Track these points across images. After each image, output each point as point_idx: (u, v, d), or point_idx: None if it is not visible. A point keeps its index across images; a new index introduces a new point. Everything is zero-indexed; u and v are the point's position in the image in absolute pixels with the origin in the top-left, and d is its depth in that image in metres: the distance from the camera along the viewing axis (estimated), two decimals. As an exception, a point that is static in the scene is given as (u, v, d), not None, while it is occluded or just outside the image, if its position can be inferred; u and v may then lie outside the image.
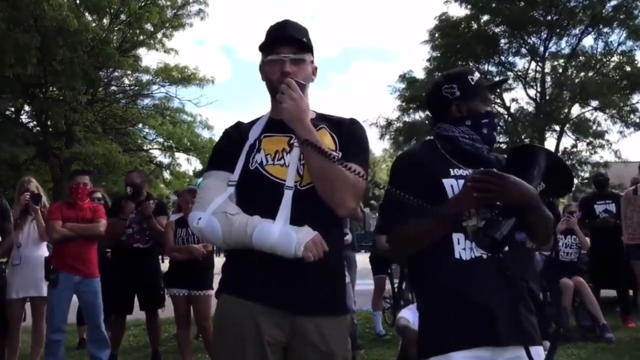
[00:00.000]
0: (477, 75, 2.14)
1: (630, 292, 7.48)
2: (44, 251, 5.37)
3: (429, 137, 2.22)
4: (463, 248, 1.96)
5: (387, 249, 6.78)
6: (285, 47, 2.02)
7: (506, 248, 1.89)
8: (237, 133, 2.11)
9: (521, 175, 1.94)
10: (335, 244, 1.99)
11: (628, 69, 19.49)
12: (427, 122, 21.10)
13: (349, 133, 2.07)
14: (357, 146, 2.05)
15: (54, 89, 18.29)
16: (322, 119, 2.12)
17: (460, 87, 2.10)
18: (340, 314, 2.04)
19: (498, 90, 19.46)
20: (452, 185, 2.00)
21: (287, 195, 1.92)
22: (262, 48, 2.07)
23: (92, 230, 5.19)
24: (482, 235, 1.86)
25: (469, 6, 20.32)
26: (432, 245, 2.00)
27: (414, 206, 1.88)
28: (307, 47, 2.05)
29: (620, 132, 19.93)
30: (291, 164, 1.97)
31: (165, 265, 5.97)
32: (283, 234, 1.87)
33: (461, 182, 1.99)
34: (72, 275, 5.05)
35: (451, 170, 2.04)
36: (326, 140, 2.02)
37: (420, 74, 21.50)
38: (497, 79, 18.82)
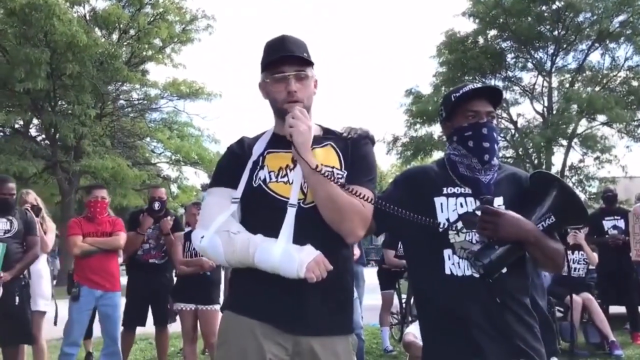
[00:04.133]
0: (466, 88, 2.08)
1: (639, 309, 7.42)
2: (43, 264, 5.36)
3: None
4: (453, 264, 1.99)
5: (396, 263, 6.79)
6: (289, 64, 1.97)
7: (504, 270, 1.93)
8: (240, 149, 2.08)
9: (533, 204, 1.98)
10: (341, 262, 1.95)
11: (635, 84, 19.53)
12: (433, 136, 21.19)
13: (354, 150, 2.03)
14: (363, 164, 2.01)
15: (63, 103, 18.48)
16: (328, 133, 2.09)
17: (445, 108, 2.15)
18: (347, 333, 1.99)
19: (504, 105, 19.55)
20: (441, 203, 2.04)
21: (290, 213, 1.89)
22: (263, 66, 2.04)
23: (112, 243, 5.21)
24: (474, 260, 1.92)
25: (476, 20, 20.42)
26: (424, 261, 2.07)
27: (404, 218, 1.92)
28: (309, 62, 2.01)
29: (627, 147, 19.97)
30: (295, 181, 1.93)
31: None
32: (285, 254, 1.83)
33: (452, 199, 2.03)
34: (94, 290, 5.08)
35: (444, 188, 2.06)
36: (331, 157, 2.00)
37: (427, 89, 21.59)
38: (504, 93, 18.86)
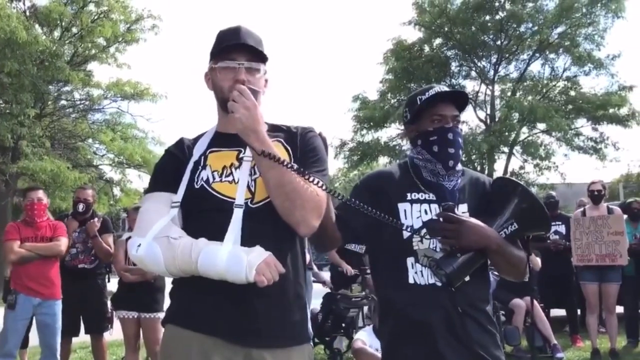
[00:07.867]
0: (432, 92, 2.04)
1: (579, 312, 7.63)
2: None
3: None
4: (415, 272, 1.97)
5: (337, 261, 6.79)
6: (241, 54, 1.85)
7: (467, 278, 1.92)
8: (180, 150, 1.93)
9: (495, 210, 1.96)
10: (294, 265, 1.82)
11: (572, 93, 20.23)
12: (379, 141, 21.43)
13: (304, 143, 1.90)
14: (314, 157, 1.88)
15: (1, 102, 17.74)
16: (276, 130, 1.94)
17: (410, 110, 2.11)
18: (302, 342, 1.85)
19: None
20: (405, 209, 2.01)
21: (237, 214, 1.74)
22: (214, 53, 1.91)
23: (52, 249, 4.96)
24: (436, 268, 1.89)
25: (422, 29, 20.77)
26: (387, 268, 2.03)
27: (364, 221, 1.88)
28: (263, 57, 1.90)
29: (565, 155, 20.66)
30: (241, 180, 1.80)
31: (112, 286, 5.78)
32: (232, 256, 1.67)
33: (416, 206, 2.00)
34: (32, 298, 4.84)
35: (408, 194, 2.03)
36: (281, 153, 1.84)
37: (374, 95, 21.82)
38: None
